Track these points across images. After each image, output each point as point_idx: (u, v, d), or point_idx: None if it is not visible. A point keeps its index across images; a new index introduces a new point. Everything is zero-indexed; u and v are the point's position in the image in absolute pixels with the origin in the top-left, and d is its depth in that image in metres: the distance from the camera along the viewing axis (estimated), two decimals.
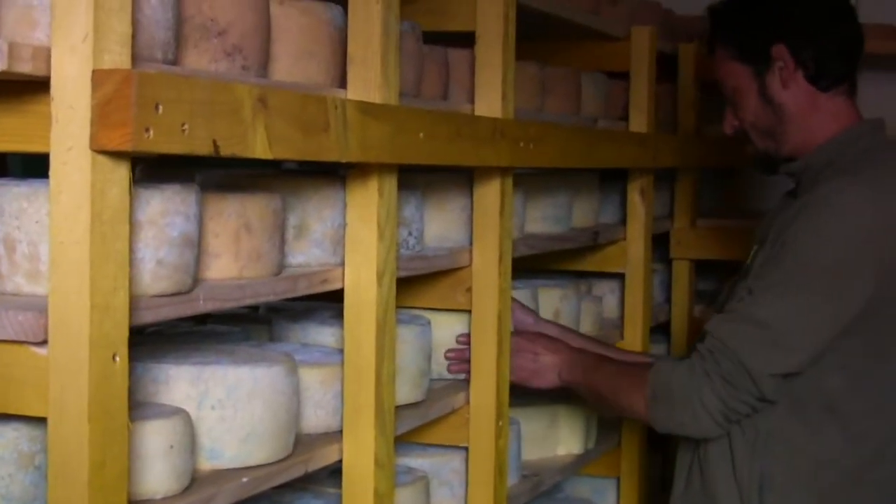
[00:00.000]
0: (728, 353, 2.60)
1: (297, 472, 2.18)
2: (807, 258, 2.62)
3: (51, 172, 1.63)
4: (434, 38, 2.65)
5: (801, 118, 2.85)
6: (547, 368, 3.02)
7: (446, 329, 2.86)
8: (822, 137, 2.84)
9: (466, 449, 2.85)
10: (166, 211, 1.86)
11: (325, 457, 2.28)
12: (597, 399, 2.98)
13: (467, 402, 2.83)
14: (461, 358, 2.88)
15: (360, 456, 2.32)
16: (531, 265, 3.52)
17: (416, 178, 2.66)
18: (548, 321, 3.26)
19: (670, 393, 2.71)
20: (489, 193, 2.79)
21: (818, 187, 2.70)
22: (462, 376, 2.88)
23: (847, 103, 2.88)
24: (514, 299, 3.17)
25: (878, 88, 4.98)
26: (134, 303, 1.71)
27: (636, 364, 2.91)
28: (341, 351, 2.35)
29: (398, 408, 2.44)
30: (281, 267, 2.20)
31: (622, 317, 3.82)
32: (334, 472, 2.39)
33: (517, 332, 3.04)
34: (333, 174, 2.39)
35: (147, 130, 1.61)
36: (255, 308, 2.91)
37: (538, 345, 3.04)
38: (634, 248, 3.78)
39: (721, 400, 2.62)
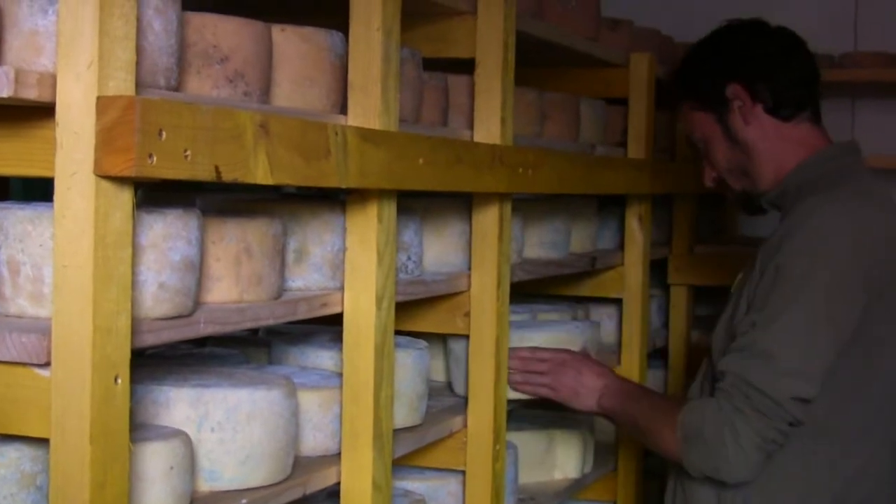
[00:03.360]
0: (750, 388, 2.58)
1: (295, 495, 2.19)
2: (800, 283, 2.62)
3: (55, 197, 1.64)
4: (434, 65, 2.68)
5: (768, 150, 2.90)
6: (588, 391, 3.01)
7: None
8: (793, 163, 2.88)
9: (463, 472, 2.86)
10: (168, 235, 1.87)
11: (324, 479, 2.29)
12: (632, 432, 2.96)
13: (464, 425, 2.84)
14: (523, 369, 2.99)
15: (357, 479, 2.32)
16: (529, 290, 3.53)
17: (415, 203, 2.68)
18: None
19: (701, 434, 2.65)
20: (488, 219, 2.80)
21: (795, 212, 2.72)
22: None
23: (812, 129, 2.93)
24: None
25: (877, 115, 5.00)
26: (136, 325, 1.72)
27: (670, 402, 2.86)
28: (340, 374, 2.36)
29: (396, 431, 2.45)
30: (281, 291, 2.21)
31: (619, 342, 3.82)
32: (332, 495, 2.40)
33: (563, 360, 3.05)
34: (333, 199, 2.41)
35: (150, 156, 1.63)
36: (254, 331, 2.93)
37: (584, 364, 3.05)
38: (632, 273, 3.79)
39: (756, 432, 2.58)
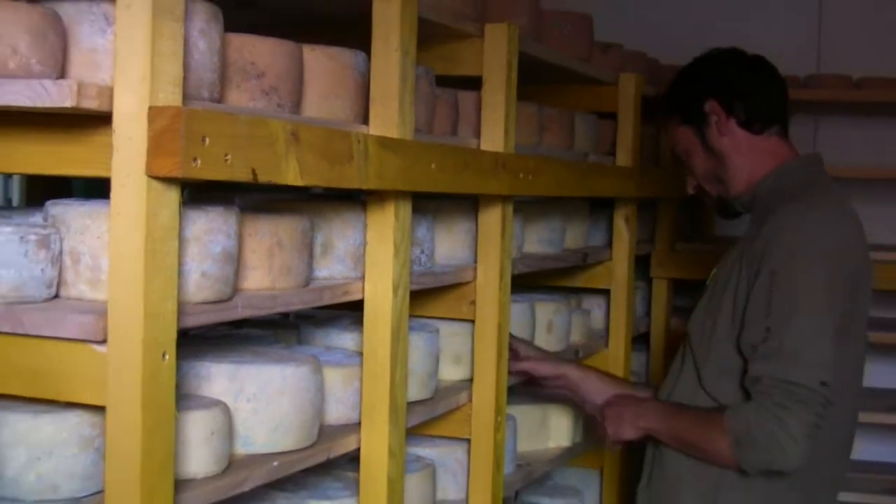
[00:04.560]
0: (789, 384, 2.57)
1: (320, 458, 2.20)
2: (799, 286, 2.62)
3: (111, 195, 1.66)
4: (445, 82, 2.68)
5: (740, 159, 2.91)
6: (629, 418, 2.93)
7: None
8: (764, 171, 2.90)
9: (468, 441, 2.87)
10: (210, 230, 1.89)
11: (345, 445, 2.30)
12: (677, 443, 2.83)
13: (470, 399, 2.84)
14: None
15: (375, 446, 2.34)
16: (528, 282, 3.54)
17: (427, 204, 2.68)
18: (566, 361, 3.23)
19: (752, 435, 2.61)
20: (492, 218, 2.81)
21: (776, 217, 2.72)
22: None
23: (781, 142, 2.94)
24: (525, 342, 3.17)
25: (837, 131, 4.99)
26: (181, 309, 1.74)
27: (706, 412, 2.78)
28: (360, 354, 2.38)
29: (409, 404, 2.46)
30: (308, 280, 2.22)
31: (607, 328, 3.82)
32: (353, 459, 2.40)
33: (605, 404, 3.02)
34: (355, 199, 2.42)
35: (195, 160, 1.64)
36: (285, 315, 2.93)
37: (621, 402, 3.01)
38: (619, 267, 3.78)
39: (801, 420, 2.55)
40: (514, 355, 3.07)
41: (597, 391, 3.12)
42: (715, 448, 2.69)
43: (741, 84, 2.92)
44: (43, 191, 3.03)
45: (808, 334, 2.61)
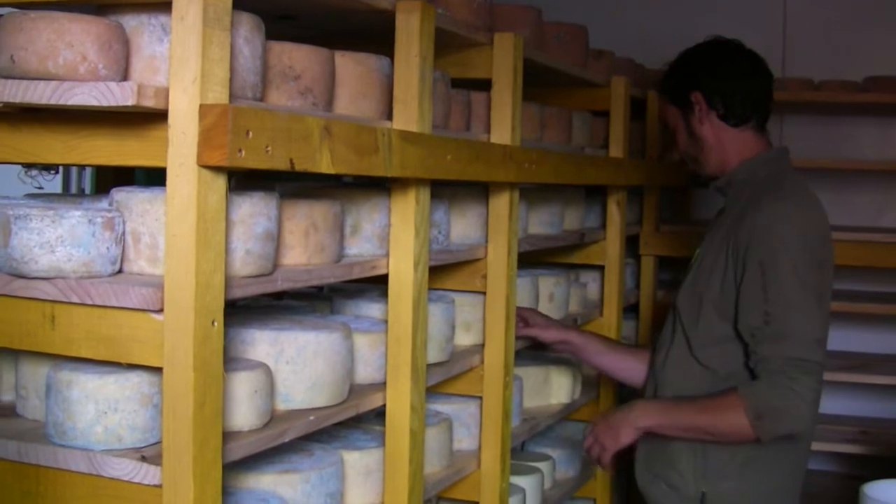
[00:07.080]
0: (798, 360, 2.56)
1: (350, 413, 2.19)
2: (787, 274, 2.60)
3: (167, 182, 1.65)
4: (459, 84, 2.66)
5: (715, 147, 2.88)
6: (620, 426, 2.82)
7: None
8: (736, 161, 2.87)
9: (481, 398, 2.85)
10: (253, 213, 1.87)
11: (373, 402, 2.29)
12: (685, 432, 2.73)
13: (482, 362, 2.83)
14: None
15: (399, 402, 2.33)
16: (532, 259, 3.52)
17: (444, 190, 2.66)
18: (568, 327, 3.16)
19: (774, 407, 2.56)
20: (500, 203, 2.79)
21: (754, 212, 2.69)
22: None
23: (755, 136, 2.89)
24: (533, 311, 3.10)
25: (800, 128, 4.96)
26: (228, 282, 1.73)
27: (709, 398, 2.69)
28: (385, 322, 2.36)
29: (428, 366, 2.45)
30: (340, 257, 2.21)
31: (601, 299, 3.81)
32: (379, 415, 2.39)
33: (595, 422, 2.92)
34: (381, 186, 2.40)
35: (240, 151, 1.63)
36: (319, 288, 2.92)
37: (612, 414, 2.88)
38: (611, 246, 3.77)
39: (812, 389, 2.55)
40: (524, 322, 3.05)
41: (595, 352, 3.14)
42: (731, 427, 2.62)
43: (725, 82, 2.87)
44: (110, 180, 3.02)
45: (803, 315, 2.60)
